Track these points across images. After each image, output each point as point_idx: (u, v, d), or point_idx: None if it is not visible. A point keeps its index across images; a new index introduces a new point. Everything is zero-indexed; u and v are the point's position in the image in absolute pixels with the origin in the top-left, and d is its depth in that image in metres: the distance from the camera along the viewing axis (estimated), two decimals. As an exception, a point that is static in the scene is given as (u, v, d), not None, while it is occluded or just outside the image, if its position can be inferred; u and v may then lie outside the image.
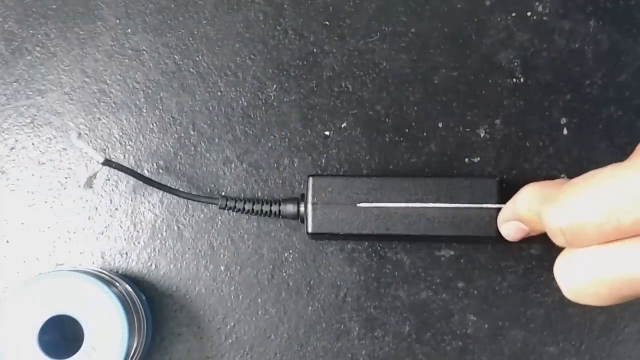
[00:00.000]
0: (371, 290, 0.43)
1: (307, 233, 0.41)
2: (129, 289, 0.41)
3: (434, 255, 0.43)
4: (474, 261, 0.43)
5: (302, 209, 0.41)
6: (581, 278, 0.28)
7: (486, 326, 0.43)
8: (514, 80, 0.44)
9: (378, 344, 0.43)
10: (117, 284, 0.40)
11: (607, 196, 0.26)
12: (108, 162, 0.40)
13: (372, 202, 0.40)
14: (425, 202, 0.40)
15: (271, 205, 0.42)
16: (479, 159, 0.43)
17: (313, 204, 0.41)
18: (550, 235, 0.29)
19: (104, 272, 0.42)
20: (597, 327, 0.43)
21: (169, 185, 0.43)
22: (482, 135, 0.44)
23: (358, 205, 0.41)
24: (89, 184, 0.43)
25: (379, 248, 0.43)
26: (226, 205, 0.42)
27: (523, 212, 0.34)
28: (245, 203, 0.42)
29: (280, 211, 0.42)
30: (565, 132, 0.43)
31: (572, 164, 0.43)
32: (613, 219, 0.26)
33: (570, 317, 0.43)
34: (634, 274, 0.27)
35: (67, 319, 0.39)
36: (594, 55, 0.44)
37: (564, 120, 0.43)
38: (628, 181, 0.26)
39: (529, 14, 0.44)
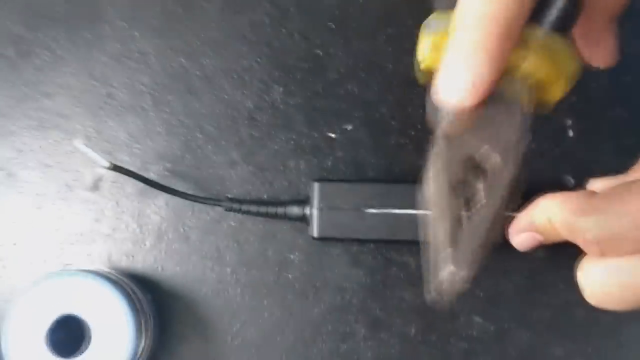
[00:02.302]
0: (376, 291, 0.43)
1: (313, 237, 0.41)
2: (136, 289, 0.41)
3: (439, 256, 0.43)
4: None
5: (307, 211, 0.42)
6: (609, 282, 0.29)
7: (491, 327, 0.43)
8: (519, 81, 0.44)
9: (383, 345, 0.43)
10: (124, 284, 0.40)
11: None
12: (113, 167, 0.41)
13: (378, 208, 0.41)
14: None
15: (276, 207, 0.42)
16: (484, 160, 0.43)
17: (319, 209, 0.41)
18: (583, 246, 0.29)
19: (111, 272, 0.42)
20: (603, 329, 0.43)
21: (174, 187, 0.43)
22: (487, 137, 0.44)
23: (364, 210, 0.41)
24: (95, 187, 0.43)
25: (384, 250, 0.43)
26: (231, 207, 0.42)
27: (542, 223, 0.34)
28: (250, 205, 0.42)
29: (285, 213, 0.42)
30: (571, 133, 0.43)
31: (578, 165, 0.43)
32: None
33: (576, 319, 0.43)
34: None
35: (74, 318, 0.39)
36: (599, 57, 0.44)
37: (569, 122, 0.43)
38: None
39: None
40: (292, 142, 0.44)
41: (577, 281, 0.30)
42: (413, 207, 0.40)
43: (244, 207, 0.42)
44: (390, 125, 0.44)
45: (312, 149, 0.44)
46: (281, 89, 0.44)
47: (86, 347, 0.39)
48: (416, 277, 0.43)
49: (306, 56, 0.44)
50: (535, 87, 0.29)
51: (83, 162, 0.44)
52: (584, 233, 0.28)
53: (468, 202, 0.29)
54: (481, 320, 0.43)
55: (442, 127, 0.29)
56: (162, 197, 0.44)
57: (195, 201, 0.43)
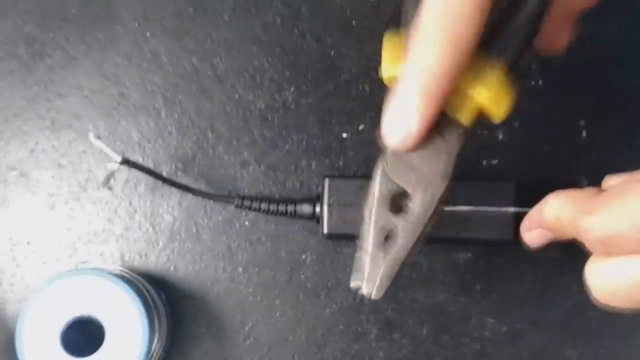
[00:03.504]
0: (388, 292, 0.43)
1: (323, 234, 0.41)
2: (149, 288, 0.42)
3: (451, 257, 0.43)
4: (491, 264, 0.43)
5: (318, 209, 0.42)
6: (615, 282, 0.29)
7: (504, 329, 0.43)
8: (532, 82, 0.43)
9: (395, 346, 0.43)
10: (137, 283, 0.41)
11: None
12: (126, 161, 0.41)
13: None
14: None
15: (287, 205, 0.42)
16: (497, 161, 0.43)
17: (329, 205, 0.41)
18: (587, 244, 0.29)
19: (125, 270, 0.42)
20: (616, 331, 0.43)
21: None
22: (500, 138, 0.43)
23: None
24: (106, 182, 0.43)
25: (396, 250, 0.43)
26: (242, 204, 0.42)
27: (551, 220, 0.34)
28: (260, 202, 0.42)
29: (295, 211, 0.42)
30: (584, 134, 0.43)
31: (591, 166, 0.43)
32: None
33: (589, 321, 0.43)
34: None
35: (88, 317, 0.39)
36: (612, 58, 0.43)
37: (582, 123, 0.43)
38: None
39: (547, 15, 0.44)
40: (304, 142, 0.44)
41: (585, 280, 0.30)
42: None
43: (255, 205, 0.42)
44: (402, 126, 0.44)
45: (324, 149, 0.44)
46: (293, 89, 0.44)
47: (100, 347, 0.39)
48: (428, 278, 0.43)
49: (318, 56, 0.44)
50: (472, 116, 0.31)
51: (96, 161, 0.45)
52: (587, 232, 0.29)
53: (388, 235, 0.32)
54: (494, 322, 0.43)
55: (386, 153, 0.32)
56: (175, 197, 0.44)
57: (206, 198, 0.43)
